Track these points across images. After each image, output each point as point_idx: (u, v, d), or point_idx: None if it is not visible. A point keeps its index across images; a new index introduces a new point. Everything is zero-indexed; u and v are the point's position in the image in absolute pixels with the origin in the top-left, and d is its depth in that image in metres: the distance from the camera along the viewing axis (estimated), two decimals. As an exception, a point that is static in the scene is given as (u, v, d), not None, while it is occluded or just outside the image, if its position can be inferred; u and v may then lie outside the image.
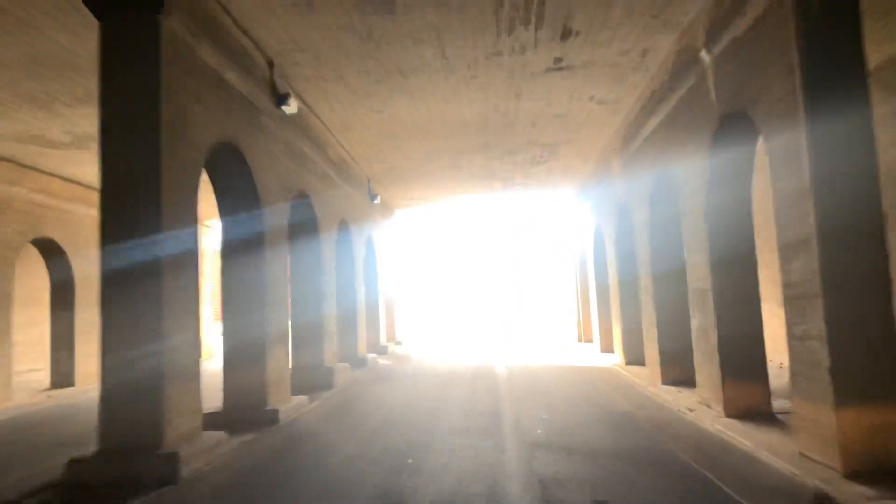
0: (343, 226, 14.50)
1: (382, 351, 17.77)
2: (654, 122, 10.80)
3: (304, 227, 11.83)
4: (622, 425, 8.08)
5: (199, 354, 6.84)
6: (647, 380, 11.83)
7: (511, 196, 20.94)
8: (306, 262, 11.99)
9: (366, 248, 17.74)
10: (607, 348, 17.10)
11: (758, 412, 8.26)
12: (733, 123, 8.06)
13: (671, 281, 11.50)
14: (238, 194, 8.77)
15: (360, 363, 14.69)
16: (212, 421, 8.46)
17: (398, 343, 21.05)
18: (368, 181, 16.78)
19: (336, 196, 13.50)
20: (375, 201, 17.08)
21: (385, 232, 20.55)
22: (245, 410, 8.65)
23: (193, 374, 6.67)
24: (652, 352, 11.76)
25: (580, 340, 20.71)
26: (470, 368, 14.56)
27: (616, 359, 15.15)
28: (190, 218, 6.85)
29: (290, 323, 11.73)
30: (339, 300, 14.73)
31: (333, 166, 13.09)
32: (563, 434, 7.49)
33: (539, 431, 7.61)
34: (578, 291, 21.00)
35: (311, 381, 11.59)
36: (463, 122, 12.57)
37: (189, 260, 6.72)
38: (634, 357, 14.21)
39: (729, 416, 8.25)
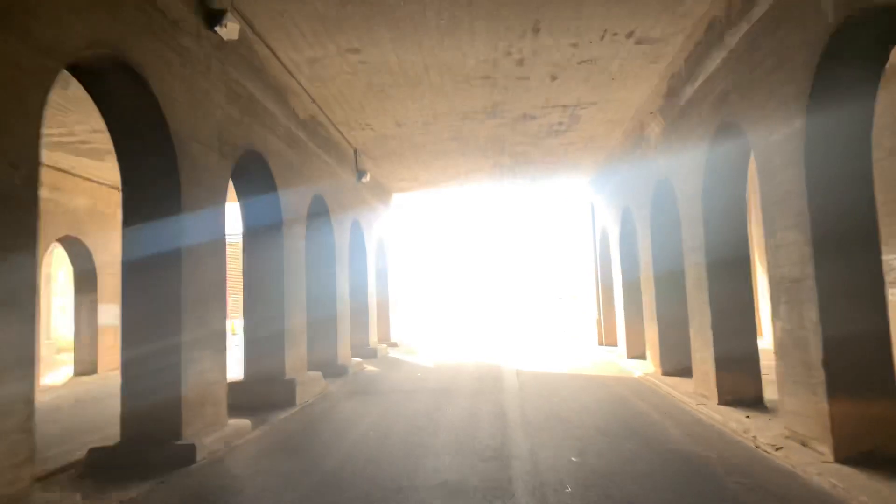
0: (319, 205, 11.95)
1: (371, 355, 15.23)
2: (713, 64, 8.21)
3: (258, 200, 9.28)
4: (690, 477, 5.48)
5: (31, 373, 4.30)
6: (696, 397, 9.26)
7: (522, 180, 18.33)
8: (265, 246, 9.45)
9: (353, 235, 15.21)
10: (636, 353, 14.50)
11: (886, 455, 5.67)
12: (855, 37, 5.50)
13: (733, 270, 8.92)
14: (140, 137, 6.23)
15: (338, 371, 12.15)
16: (98, 461, 5.96)
17: (393, 345, 18.49)
18: (355, 154, 14.23)
19: (307, 165, 10.96)
20: (364, 179, 14.53)
21: (379, 217, 18.01)
22: (149, 445, 6.12)
23: (18, 399, 4.14)
24: (703, 361, 9.18)
25: (601, 343, 18.10)
26: (473, 378, 11.99)
27: (648, 367, 12.55)
28: (22, 153, 4.31)
29: (242, 324, 9.25)
30: (314, 296, 12.20)
31: (303, 127, 10.54)
32: (607, 497, 4.91)
33: (569, 490, 5.02)
34: (599, 287, 18.37)
35: (266, 397, 9.07)
36: (465, 72, 10.00)
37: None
38: (674, 366, 11.62)
39: (842, 460, 5.67)
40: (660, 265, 12.05)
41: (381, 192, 17.96)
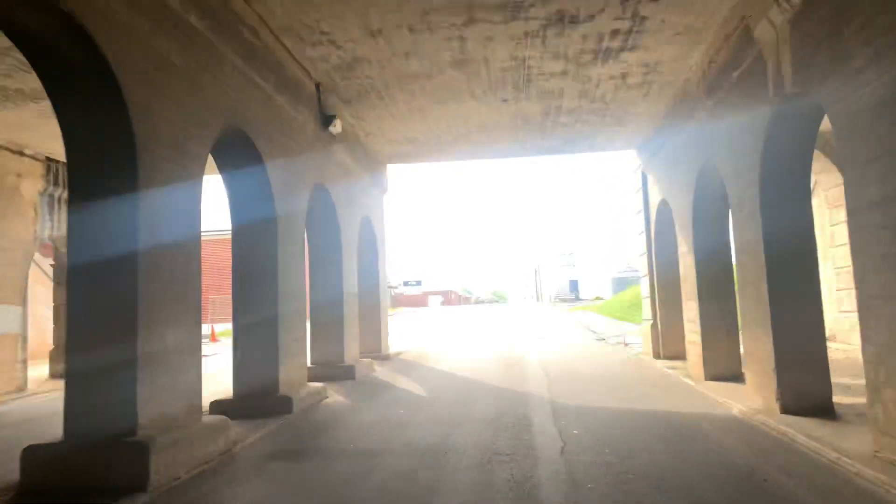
0: (243, 149, 7.78)
1: (346, 375, 10.98)
2: None
3: (72, 106, 5.12)
4: None
5: None
6: (883, 465, 4.95)
7: (552, 143, 14.03)
8: (99, 202, 5.29)
9: (318, 211, 11.05)
10: (719, 373, 10.21)
11: None
12: None
13: None
14: None
15: (278, 407, 7.94)
16: None
17: (384, 359, 14.20)
18: (318, 90, 10.05)
19: (211, 74, 6.78)
20: (333, 128, 10.36)
21: (366, 192, 13.82)
22: None
23: None
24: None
25: (658, 355, 13.71)
26: (485, 419, 7.66)
27: (751, 399, 8.22)
28: None
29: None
30: (248, 294, 8.12)
31: (199, 9, 6.36)
32: None
33: None
34: (655, 282, 13.98)
35: (98, 475, 4.90)
36: None
37: None
38: (805, 401, 7.35)
39: None
40: (777, 241, 7.72)
41: (369, 160, 13.74)
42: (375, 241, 14.51)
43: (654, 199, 13.69)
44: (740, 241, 8.72)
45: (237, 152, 7.80)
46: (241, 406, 7.87)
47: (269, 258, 8.24)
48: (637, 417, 7.68)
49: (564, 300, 67.92)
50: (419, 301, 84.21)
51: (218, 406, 7.89)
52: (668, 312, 13.54)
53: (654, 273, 14.01)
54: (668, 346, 13.56)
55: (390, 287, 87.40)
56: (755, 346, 8.26)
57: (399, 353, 15.70)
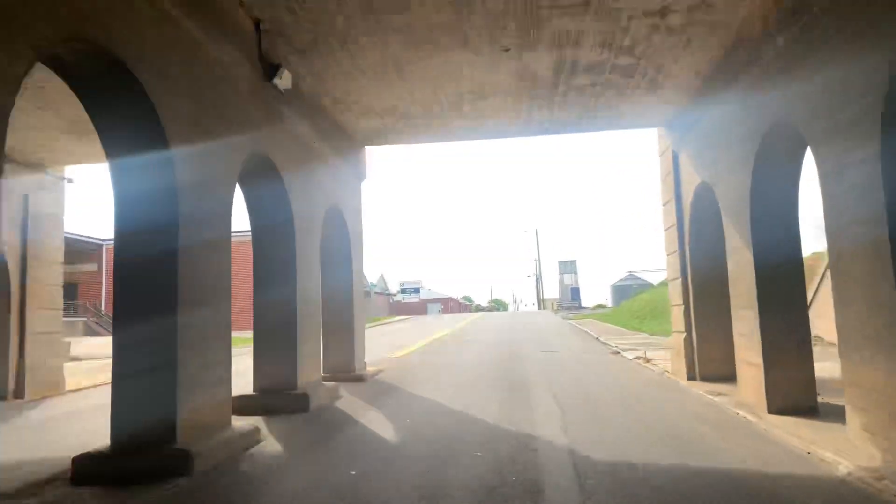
0: (123, 82, 5.28)
1: (296, 406, 8.38)
2: None
3: None
4: None
5: None
6: None
7: (566, 115, 11.55)
8: None
9: (265, 194, 8.56)
10: (790, 405, 7.68)
11: None
12: None
13: None
14: None
15: (170, 466, 5.39)
16: None
17: (357, 379, 11.60)
18: (258, 31, 7.55)
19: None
20: (279, 81, 7.88)
21: (335, 175, 11.33)
22: None
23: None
24: None
25: (693, 375, 11.17)
26: (479, 490, 5.16)
27: (861, 448, 5.69)
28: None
29: None
30: (130, 299, 5.62)
31: None
32: None
33: None
34: (689, 285, 11.44)
35: None
36: None
37: None
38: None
39: None
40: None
41: (339, 137, 11.25)
42: (348, 236, 11.97)
43: (690, 183, 11.14)
44: (836, 224, 6.19)
45: (112, 90, 5.31)
46: (118, 464, 5.35)
47: (161, 243, 5.71)
48: (701, 485, 5.13)
49: (567, 308, 65.56)
50: (417, 309, 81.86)
51: (86, 464, 5.36)
52: (707, 324, 11.02)
53: (689, 275, 11.46)
54: (705, 364, 11.03)
55: (387, 294, 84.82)
56: (868, 376, 5.73)
57: (378, 372, 13.12)
